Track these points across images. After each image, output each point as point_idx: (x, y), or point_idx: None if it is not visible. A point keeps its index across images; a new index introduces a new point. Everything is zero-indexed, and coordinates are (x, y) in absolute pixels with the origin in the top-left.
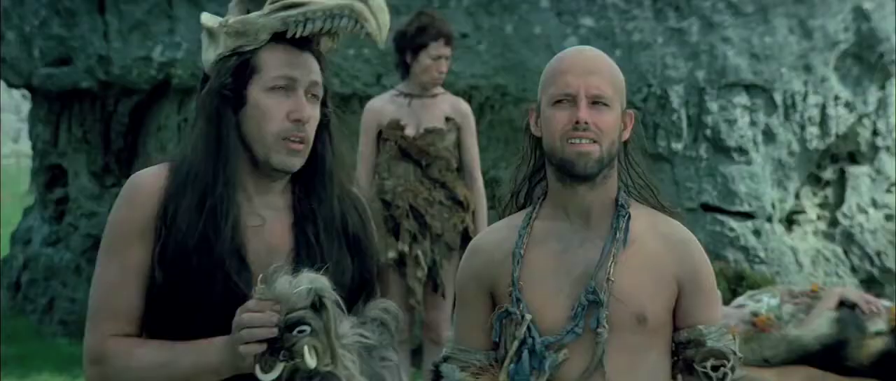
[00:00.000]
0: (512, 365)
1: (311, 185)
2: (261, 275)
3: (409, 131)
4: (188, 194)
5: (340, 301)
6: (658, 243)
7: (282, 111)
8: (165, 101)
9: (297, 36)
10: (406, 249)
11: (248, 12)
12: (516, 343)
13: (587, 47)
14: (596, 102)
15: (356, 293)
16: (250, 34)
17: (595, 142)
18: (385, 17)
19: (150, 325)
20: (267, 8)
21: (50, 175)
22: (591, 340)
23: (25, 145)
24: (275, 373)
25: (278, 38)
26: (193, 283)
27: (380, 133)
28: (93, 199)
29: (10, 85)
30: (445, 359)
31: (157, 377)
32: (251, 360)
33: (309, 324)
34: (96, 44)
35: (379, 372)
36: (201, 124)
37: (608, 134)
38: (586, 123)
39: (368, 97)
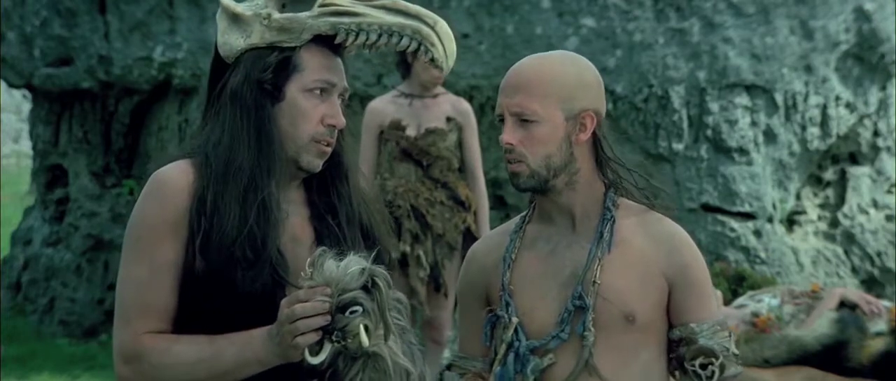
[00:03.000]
0: (498, 368)
1: (329, 181)
2: (308, 260)
3: (411, 132)
4: (230, 185)
5: (390, 279)
6: (645, 242)
7: (318, 114)
8: (166, 101)
9: (347, 44)
10: (408, 249)
11: (284, 7)
12: (504, 347)
13: (529, 59)
14: (522, 119)
15: None
16: (294, 32)
17: (521, 161)
18: (452, 45)
19: (182, 319)
20: (316, 10)
21: (50, 175)
22: (579, 343)
23: (26, 145)
24: (323, 355)
25: (317, 39)
26: (236, 273)
27: (381, 133)
28: (93, 199)
29: (11, 85)
30: (448, 367)
31: (197, 372)
32: (303, 349)
33: (361, 304)
34: (97, 44)
35: (412, 352)
36: (237, 114)
37: (538, 149)
38: (510, 144)
39: (369, 98)
